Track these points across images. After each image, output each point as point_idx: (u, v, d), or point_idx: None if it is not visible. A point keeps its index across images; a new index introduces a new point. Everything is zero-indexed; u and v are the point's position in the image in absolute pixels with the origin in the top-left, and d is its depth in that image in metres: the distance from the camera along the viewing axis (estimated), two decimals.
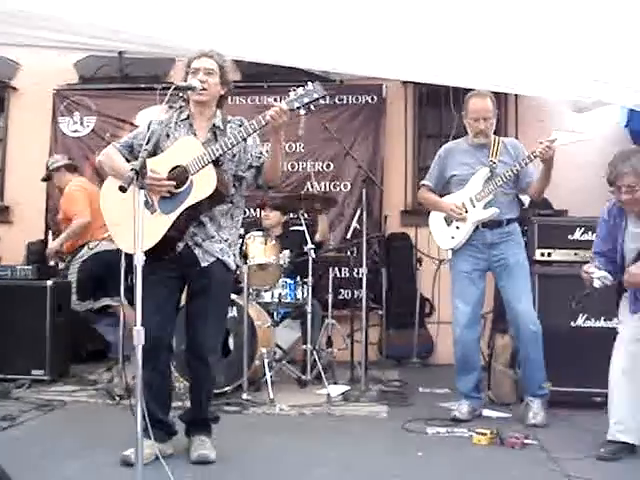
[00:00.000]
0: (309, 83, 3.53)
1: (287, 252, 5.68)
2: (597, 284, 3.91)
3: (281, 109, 3.45)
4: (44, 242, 7.54)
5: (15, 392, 5.34)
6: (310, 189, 7.07)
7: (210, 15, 5.70)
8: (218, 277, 3.69)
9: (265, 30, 5.72)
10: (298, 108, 3.48)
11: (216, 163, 3.57)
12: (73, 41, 6.94)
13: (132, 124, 7.45)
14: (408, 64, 5.72)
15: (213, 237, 3.68)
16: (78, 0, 5.84)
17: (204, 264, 3.65)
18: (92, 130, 7.66)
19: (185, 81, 3.72)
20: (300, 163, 7.21)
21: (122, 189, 2.99)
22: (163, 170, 3.55)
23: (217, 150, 3.54)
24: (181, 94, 3.63)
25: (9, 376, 5.59)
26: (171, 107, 3.52)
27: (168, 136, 3.69)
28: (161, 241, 3.48)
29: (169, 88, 7.17)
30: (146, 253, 3.06)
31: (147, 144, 3.25)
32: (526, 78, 5.58)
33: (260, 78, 7.16)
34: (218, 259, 3.68)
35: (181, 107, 3.74)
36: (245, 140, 3.65)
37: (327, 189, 7.26)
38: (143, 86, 7.50)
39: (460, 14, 5.36)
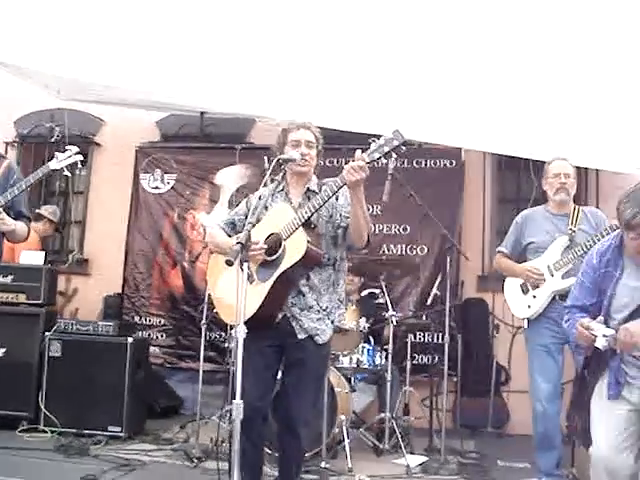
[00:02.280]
0: (390, 132, 3.39)
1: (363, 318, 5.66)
2: (601, 344, 3.08)
3: (358, 164, 3.33)
4: (121, 295, 7.67)
5: (93, 449, 5.38)
6: (386, 252, 7.05)
7: (286, 79, 5.81)
8: (313, 351, 3.65)
9: (340, 97, 5.78)
10: (379, 158, 3.37)
11: (308, 226, 3.56)
12: (156, 100, 7.16)
13: (212, 183, 7.60)
14: (488, 135, 5.71)
15: (311, 307, 3.65)
16: (161, 62, 6.01)
17: (300, 336, 3.64)
18: (172, 187, 7.80)
19: (282, 151, 3.74)
20: (377, 225, 7.20)
21: (229, 263, 3.02)
22: (260, 239, 3.56)
23: (306, 213, 3.52)
24: (282, 165, 3.63)
25: (86, 431, 5.65)
26: (273, 180, 3.53)
27: (266, 208, 3.70)
28: (259, 310, 3.48)
29: (249, 148, 7.43)
30: (246, 323, 3.07)
31: (251, 217, 3.27)
32: (603, 153, 5.54)
33: (339, 140, 7.22)
34: (310, 336, 3.65)
35: (275, 180, 3.73)
36: (337, 199, 3.64)
37: (403, 252, 7.23)
38: (223, 145, 7.65)
39: (541, 87, 5.37)
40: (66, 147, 4.16)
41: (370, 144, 3.39)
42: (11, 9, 5.84)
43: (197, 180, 7.73)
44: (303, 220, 3.52)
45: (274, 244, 3.56)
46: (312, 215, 3.55)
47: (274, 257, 3.55)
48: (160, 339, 7.56)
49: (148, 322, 7.61)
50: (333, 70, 5.70)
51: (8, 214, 3.98)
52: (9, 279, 5.97)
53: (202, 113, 7.57)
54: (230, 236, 3.78)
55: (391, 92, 5.61)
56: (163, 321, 7.63)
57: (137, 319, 7.60)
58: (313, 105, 5.83)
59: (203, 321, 5.77)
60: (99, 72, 6.25)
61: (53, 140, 7.94)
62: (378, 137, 3.41)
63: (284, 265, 3.53)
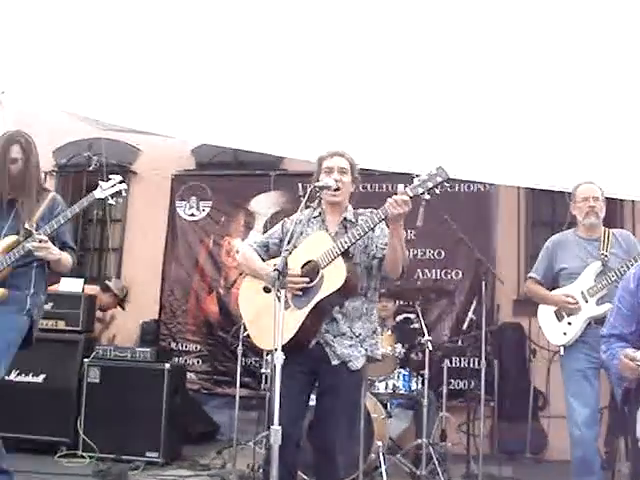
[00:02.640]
0: (432, 169, 3.46)
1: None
2: None
3: (402, 199, 3.39)
4: (158, 322, 7.75)
5: (131, 475, 5.42)
6: (421, 277, 7.06)
7: (315, 118, 5.86)
8: (346, 378, 3.66)
9: (370, 136, 5.80)
10: (422, 194, 3.41)
11: (346, 255, 3.59)
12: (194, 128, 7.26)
13: (247, 209, 7.68)
14: (520, 169, 5.69)
15: (344, 334, 3.67)
16: (195, 103, 6.12)
17: (334, 362, 3.65)
18: (207, 214, 7.89)
19: (317, 179, 3.79)
20: (411, 250, 7.20)
21: (266, 290, 3.06)
22: (296, 266, 3.60)
23: (345, 242, 3.56)
24: (317, 192, 3.67)
25: (124, 457, 5.70)
26: (308, 206, 3.58)
27: (302, 233, 3.74)
28: (294, 336, 3.51)
29: (283, 175, 7.49)
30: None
31: (287, 244, 3.31)
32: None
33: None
34: (343, 362, 3.66)
35: (311, 206, 3.77)
36: (373, 230, 3.67)
37: (438, 277, 7.22)
38: (257, 172, 7.74)
39: (569, 118, 5.37)
40: (110, 176, 4.17)
41: (413, 179, 3.45)
42: (50, 44, 5.97)
43: (232, 207, 7.82)
44: (342, 249, 3.56)
45: (311, 271, 3.59)
46: (352, 245, 3.59)
47: (311, 284, 3.58)
48: (196, 365, 7.61)
49: (184, 348, 7.68)
50: (363, 109, 5.73)
51: (53, 244, 4.03)
52: (49, 306, 6.08)
53: None
54: (263, 259, 3.82)
55: (419, 129, 5.64)
56: (199, 347, 7.70)
57: (173, 345, 7.67)
58: (345, 144, 5.89)
59: (239, 347, 5.80)
60: (136, 114, 6.40)
61: (91, 169, 8.01)
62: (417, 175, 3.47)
63: (322, 293, 3.56)
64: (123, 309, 7.32)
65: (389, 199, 3.42)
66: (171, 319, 7.81)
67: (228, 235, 7.79)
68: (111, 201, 4.10)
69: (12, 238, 3.98)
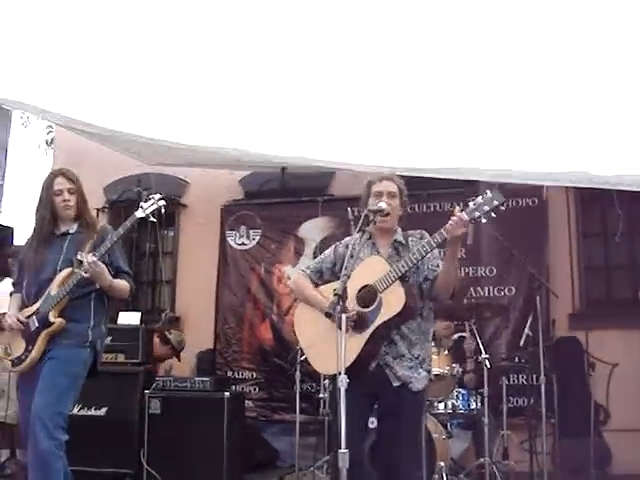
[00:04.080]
0: (487, 191, 3.49)
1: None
2: None
3: (461, 219, 3.43)
4: (213, 351, 7.83)
5: None
6: (473, 295, 7.03)
7: (360, 129, 5.89)
8: (408, 399, 3.69)
9: (421, 142, 5.82)
10: (479, 217, 3.44)
11: (403, 279, 3.63)
12: (238, 159, 7.37)
13: (296, 236, 7.75)
14: (574, 170, 5.64)
15: (403, 356, 3.69)
16: (242, 123, 6.20)
17: (395, 384, 3.67)
18: (258, 243, 7.97)
19: (366, 203, 3.83)
20: (462, 268, 7.17)
21: (328, 315, 3.09)
22: (352, 290, 3.63)
23: (403, 267, 3.59)
24: (371, 218, 3.70)
25: None
26: (363, 231, 3.61)
27: (352, 256, 3.78)
28: (355, 360, 3.54)
29: (330, 200, 7.54)
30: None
31: (343, 268, 3.35)
32: None
33: (419, 186, 7.27)
34: (404, 383, 3.68)
35: (362, 231, 3.80)
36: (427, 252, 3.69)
37: (491, 294, 7.18)
38: (305, 199, 7.81)
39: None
40: (149, 196, 4.21)
41: (468, 202, 3.49)
42: (98, 81, 6.10)
43: (281, 234, 7.89)
44: (400, 274, 3.60)
45: (368, 296, 3.63)
46: (410, 269, 3.62)
47: (370, 309, 3.61)
48: (253, 392, 7.66)
49: (240, 376, 7.73)
50: (410, 115, 5.74)
51: (109, 272, 4.10)
52: (109, 339, 6.19)
53: (283, 169, 7.76)
54: (317, 284, 3.87)
55: (471, 134, 5.61)
56: (255, 374, 7.75)
57: (230, 374, 7.73)
58: (393, 151, 5.90)
59: (297, 373, 5.84)
60: (184, 136, 6.50)
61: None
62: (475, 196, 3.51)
63: (382, 317, 3.60)
64: (179, 360, 7.33)
65: (450, 221, 3.46)
66: (226, 348, 7.88)
67: (279, 262, 7.85)
68: (153, 219, 4.13)
69: (67, 271, 4.07)
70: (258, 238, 7.98)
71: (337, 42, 5.81)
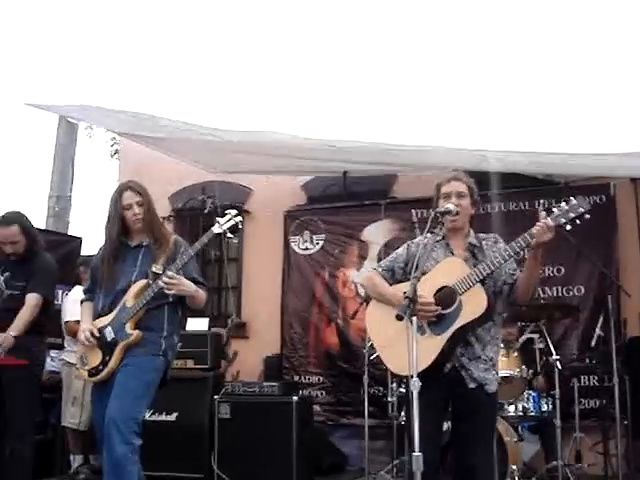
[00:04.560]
0: (572, 198, 3.49)
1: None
2: None
3: (547, 225, 3.41)
4: (280, 356, 7.88)
5: None
6: (542, 295, 6.92)
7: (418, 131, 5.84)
8: (484, 401, 3.66)
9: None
10: (564, 224, 3.42)
11: (483, 282, 3.60)
12: (300, 165, 7.43)
13: (359, 240, 7.74)
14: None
15: (479, 357, 3.66)
16: (303, 127, 6.22)
17: (471, 386, 3.64)
18: (321, 247, 7.98)
19: (436, 205, 3.81)
20: None
21: (399, 317, 3.09)
22: (428, 291, 3.61)
23: (485, 270, 3.57)
24: (440, 219, 3.68)
25: None
26: (432, 232, 3.59)
27: (423, 257, 3.76)
28: (433, 362, 3.53)
29: (394, 203, 7.51)
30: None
31: (415, 269, 3.34)
32: None
33: (483, 186, 7.20)
34: (480, 385, 3.66)
35: (434, 232, 3.78)
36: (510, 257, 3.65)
37: (559, 294, 7.05)
38: (368, 202, 7.79)
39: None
40: (225, 211, 4.22)
41: (553, 208, 3.48)
42: (165, 95, 6.18)
43: (345, 238, 7.89)
44: (482, 277, 3.57)
45: (446, 297, 3.61)
46: (491, 273, 3.60)
47: (449, 310, 3.60)
48: (320, 397, 7.67)
49: (307, 380, 7.75)
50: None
51: None
52: (178, 346, 6.29)
53: (345, 173, 7.77)
54: (390, 283, 3.85)
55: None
56: (321, 379, 7.76)
57: (296, 378, 7.76)
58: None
59: (365, 377, 5.84)
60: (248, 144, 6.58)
61: (206, 212, 8.36)
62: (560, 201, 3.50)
63: (462, 320, 3.58)
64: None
65: (536, 226, 3.44)
66: (292, 352, 7.91)
67: (343, 266, 7.85)
68: (230, 235, 4.14)
69: (142, 282, 4.11)
70: (322, 243, 7.99)
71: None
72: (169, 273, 3.97)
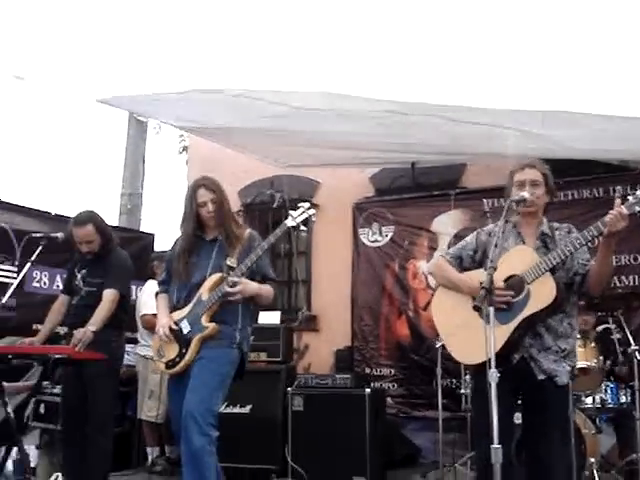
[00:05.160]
0: None
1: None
2: None
3: (620, 213, 3.33)
4: (351, 348, 7.88)
5: None
6: (617, 284, 6.75)
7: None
8: (554, 392, 3.60)
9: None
10: (639, 212, 3.34)
11: (552, 271, 3.54)
12: (368, 156, 7.40)
13: (429, 231, 7.68)
14: None
15: (549, 348, 3.60)
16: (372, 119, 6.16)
17: (540, 377, 3.58)
18: (391, 239, 7.94)
19: (510, 193, 3.75)
20: None
21: (476, 308, 3.06)
22: (497, 280, 3.55)
23: (554, 258, 3.50)
24: (514, 208, 3.62)
25: None
26: (507, 221, 3.54)
27: (496, 246, 3.71)
28: (498, 352, 3.47)
29: (463, 193, 7.43)
30: (481, 365, 3.08)
31: (488, 258, 3.30)
32: None
33: (557, 173, 7.05)
34: (549, 377, 3.59)
35: (508, 221, 3.73)
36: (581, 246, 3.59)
37: (637, 283, 6.86)
38: (436, 193, 7.72)
39: None
40: (298, 204, 4.27)
41: (628, 196, 3.41)
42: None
43: (414, 229, 7.83)
44: (552, 266, 3.51)
45: (514, 286, 3.55)
46: (562, 262, 3.54)
47: (517, 299, 3.54)
48: (391, 389, 7.65)
49: (378, 373, 7.74)
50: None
51: (253, 279, 4.19)
52: (251, 339, 6.36)
53: (413, 164, 7.72)
54: (457, 272, 3.82)
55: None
56: (393, 371, 7.73)
57: (367, 370, 7.75)
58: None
59: (438, 369, 5.80)
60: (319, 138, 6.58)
61: (275, 206, 8.43)
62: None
63: (530, 309, 3.53)
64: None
65: (609, 214, 3.37)
66: (363, 345, 7.90)
67: (413, 258, 7.80)
68: (303, 228, 4.23)
69: (217, 276, 4.17)
70: (391, 234, 7.95)
71: None
72: (231, 280, 4.03)
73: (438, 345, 5.98)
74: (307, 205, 4.22)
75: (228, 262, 4.15)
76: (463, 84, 4.93)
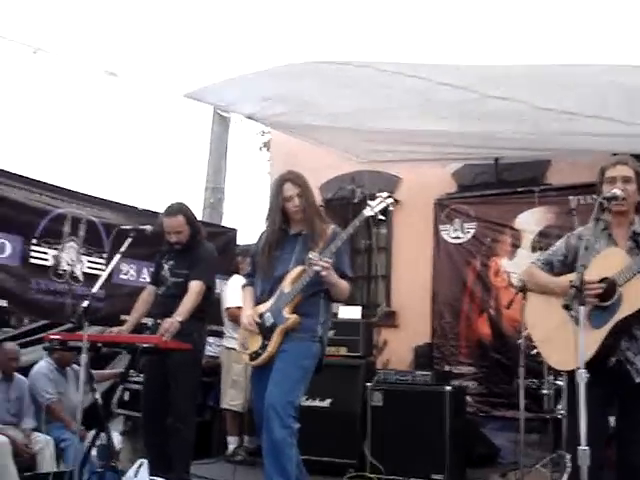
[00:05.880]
0: None
1: None
2: None
3: None
4: (430, 345, 7.84)
5: None
6: None
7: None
8: None
9: None
10: None
11: None
12: (450, 152, 7.33)
13: (512, 228, 7.56)
14: None
15: None
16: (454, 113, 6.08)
17: (638, 380, 3.49)
18: (472, 236, 7.85)
19: (600, 190, 3.67)
20: None
21: (567, 307, 3.00)
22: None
23: None
24: (605, 205, 3.54)
25: (411, 478, 5.80)
26: (598, 220, 3.46)
27: (587, 248, 3.63)
28: (593, 356, 3.40)
29: (548, 190, 7.28)
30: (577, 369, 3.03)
31: (582, 259, 3.24)
32: None
33: None
34: None
35: (599, 219, 3.64)
36: None
37: None
38: (520, 190, 7.59)
39: None
40: (376, 194, 4.23)
41: None
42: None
43: (497, 226, 7.72)
44: None
45: (607, 289, 3.47)
46: None
47: (609, 302, 3.46)
48: (471, 387, 7.57)
49: (458, 370, 7.67)
50: None
51: None
52: (331, 333, 6.39)
53: (496, 159, 7.61)
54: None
55: None
56: (473, 369, 7.66)
57: (447, 368, 7.69)
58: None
59: (520, 369, 5.71)
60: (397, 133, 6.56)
61: (355, 201, 8.44)
62: None
63: (623, 312, 3.44)
64: None
65: None
66: (443, 342, 7.85)
67: (495, 255, 7.70)
68: (381, 217, 4.17)
69: (299, 269, 4.19)
70: (473, 231, 7.85)
71: None
72: (324, 259, 4.01)
73: (520, 342, 5.86)
74: (385, 195, 4.19)
75: (310, 255, 4.13)
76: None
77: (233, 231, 8.14)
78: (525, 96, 5.37)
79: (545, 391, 6.00)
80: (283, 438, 3.95)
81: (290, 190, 4.29)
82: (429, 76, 5.23)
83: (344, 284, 4.24)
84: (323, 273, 4.01)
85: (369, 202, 4.18)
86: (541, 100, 5.41)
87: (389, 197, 4.19)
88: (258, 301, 4.35)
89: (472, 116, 5.90)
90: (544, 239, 7.06)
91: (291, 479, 3.95)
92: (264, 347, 4.20)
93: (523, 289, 4.75)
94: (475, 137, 6.55)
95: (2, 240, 5.81)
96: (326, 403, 6.29)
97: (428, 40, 4.85)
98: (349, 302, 7.28)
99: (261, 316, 4.25)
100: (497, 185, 7.83)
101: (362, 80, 5.44)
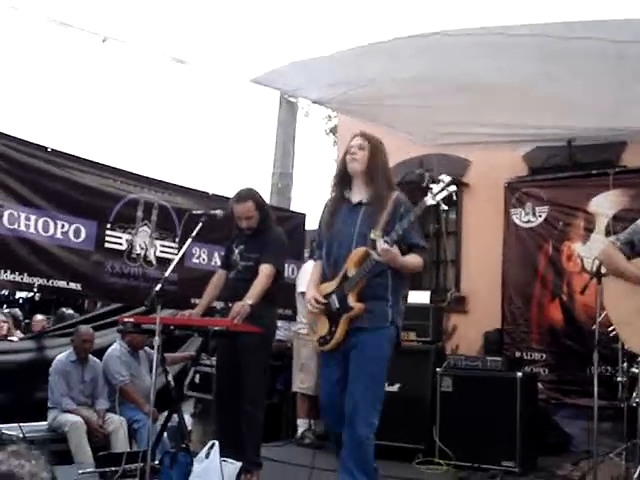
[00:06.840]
0: None
1: None
2: None
3: None
4: (500, 331, 7.74)
5: None
6: None
7: None
8: None
9: None
10: None
11: None
12: (522, 134, 7.19)
13: (585, 211, 7.38)
14: None
15: None
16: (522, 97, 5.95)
17: None
18: (544, 220, 7.67)
19: None
20: None
21: None
22: None
23: None
24: None
25: (481, 465, 5.76)
26: None
27: None
28: None
29: (623, 172, 7.10)
30: None
31: None
32: None
33: None
34: None
35: None
36: None
37: None
38: (594, 172, 7.40)
39: None
40: (439, 177, 3.96)
41: None
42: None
43: (570, 210, 7.53)
44: None
45: None
46: None
47: None
48: (542, 374, 7.44)
49: (529, 357, 7.54)
50: None
51: (400, 248, 3.93)
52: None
53: (569, 141, 7.43)
54: (629, 257, 3.65)
55: None
56: (544, 356, 7.51)
57: (517, 354, 7.58)
58: None
59: (595, 355, 5.58)
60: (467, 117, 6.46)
61: (424, 185, 8.34)
62: None
63: None
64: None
65: None
66: (514, 328, 7.72)
67: (568, 240, 7.52)
68: (443, 206, 3.91)
69: (362, 250, 3.98)
70: (545, 215, 7.67)
71: None
72: (382, 244, 3.82)
73: (594, 327, 5.72)
74: (448, 179, 3.90)
75: (372, 235, 3.90)
76: None
77: (302, 215, 8.16)
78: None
79: (619, 379, 5.86)
80: (366, 436, 3.93)
81: (354, 141, 4.11)
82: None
83: (412, 262, 4.03)
84: (384, 259, 3.85)
85: (431, 186, 3.93)
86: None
87: (452, 183, 3.92)
88: (325, 277, 4.19)
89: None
90: (619, 223, 6.85)
91: (371, 475, 3.93)
92: (332, 333, 4.07)
93: (598, 273, 4.63)
94: (548, 119, 6.40)
95: (77, 225, 5.94)
96: (395, 388, 6.25)
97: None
98: (417, 287, 7.25)
99: (327, 297, 4.10)
100: (570, 167, 7.62)
101: (435, 52, 5.35)
